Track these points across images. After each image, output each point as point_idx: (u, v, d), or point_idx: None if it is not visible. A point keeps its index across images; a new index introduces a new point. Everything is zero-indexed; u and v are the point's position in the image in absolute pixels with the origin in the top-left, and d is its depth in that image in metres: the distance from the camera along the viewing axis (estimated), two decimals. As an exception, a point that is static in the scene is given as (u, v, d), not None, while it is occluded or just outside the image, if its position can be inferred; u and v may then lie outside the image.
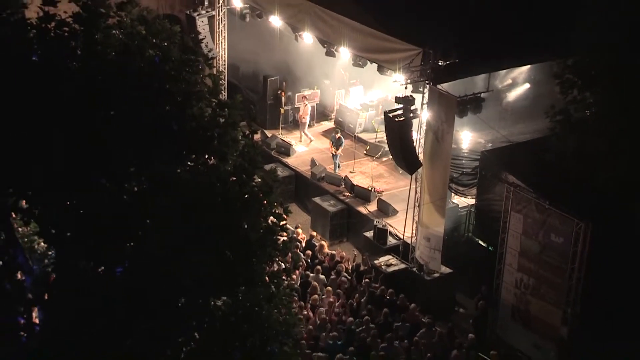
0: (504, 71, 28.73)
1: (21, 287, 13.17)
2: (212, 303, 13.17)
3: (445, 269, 25.77)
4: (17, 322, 13.06)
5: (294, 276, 23.91)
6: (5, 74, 12.32)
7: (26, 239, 14.26)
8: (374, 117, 33.87)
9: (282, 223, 13.35)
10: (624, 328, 21.79)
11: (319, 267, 25.44)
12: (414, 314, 23.78)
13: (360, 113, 33.99)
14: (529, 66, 28.93)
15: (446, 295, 25.65)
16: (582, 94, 22.66)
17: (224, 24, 33.70)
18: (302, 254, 25.53)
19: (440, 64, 24.85)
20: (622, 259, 21.81)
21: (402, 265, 26.26)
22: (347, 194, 30.04)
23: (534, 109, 26.80)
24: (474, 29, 25.60)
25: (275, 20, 31.19)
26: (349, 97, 35.14)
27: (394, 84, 26.66)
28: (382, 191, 30.10)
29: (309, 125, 34.33)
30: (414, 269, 26.11)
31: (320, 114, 35.45)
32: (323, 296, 24.15)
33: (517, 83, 29.74)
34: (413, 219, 26.20)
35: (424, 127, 25.54)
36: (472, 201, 27.43)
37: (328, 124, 35.29)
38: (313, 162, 31.60)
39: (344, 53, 29.13)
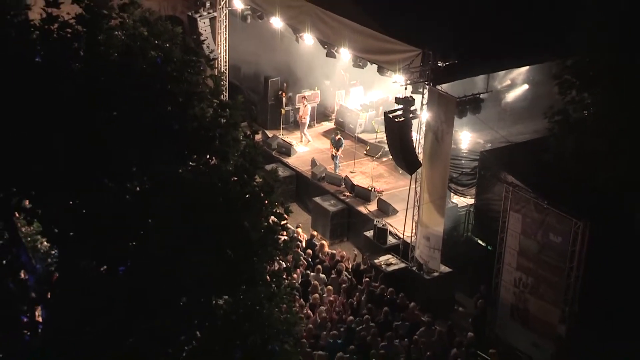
0: (503, 72, 28.74)
1: (24, 286, 13.22)
2: (214, 302, 13.19)
3: (444, 268, 25.84)
4: (21, 320, 13.10)
5: (295, 275, 24.03)
6: (8, 75, 12.37)
7: (29, 238, 14.27)
8: (374, 117, 33.94)
9: (282, 222, 13.41)
10: (622, 327, 21.82)
11: (319, 266, 25.51)
12: (414, 313, 23.82)
13: (360, 113, 34.07)
14: (527, 67, 28.96)
15: (445, 294, 25.69)
16: (581, 95, 22.68)
17: (226, 25, 33.75)
18: (302, 253, 25.59)
19: (439, 65, 24.90)
20: (620, 258, 21.86)
21: (402, 265, 26.31)
22: (348, 193, 30.11)
23: (532, 109, 26.84)
24: (473, 30, 25.63)
25: (276, 22, 31.24)
26: (349, 98, 35.20)
27: (393, 85, 26.72)
28: (382, 191, 30.16)
29: (309, 126, 34.41)
30: (414, 268, 26.17)
31: (321, 114, 35.53)
32: (324, 295, 24.21)
33: (516, 84, 29.75)
34: (413, 218, 26.27)
35: (423, 128, 25.61)
36: (472, 201, 27.50)
37: (328, 125, 35.37)
38: (314, 162, 31.67)
39: (345, 54, 29.17)
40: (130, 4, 13.22)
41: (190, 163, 13.21)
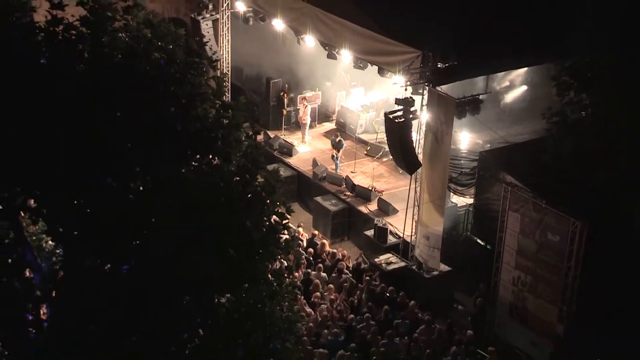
0: (502, 73, 28.84)
1: (29, 285, 13.32)
2: (216, 301, 13.27)
3: (444, 267, 25.93)
4: (26, 318, 13.19)
5: (297, 274, 24.17)
6: (14, 76, 12.50)
7: (34, 238, 14.31)
8: (374, 118, 34.01)
9: (284, 222, 13.45)
10: (619, 326, 21.86)
11: (320, 265, 25.61)
12: (414, 311, 23.90)
13: (361, 114, 34.16)
14: (526, 68, 29.07)
15: (445, 293, 25.78)
16: (579, 96, 22.80)
17: (228, 28, 33.89)
18: (304, 253, 25.64)
19: (439, 66, 25.00)
20: (618, 258, 21.89)
21: (402, 264, 26.39)
22: (348, 193, 30.21)
23: (531, 110, 26.88)
24: (472, 32, 25.70)
25: (278, 24, 31.40)
26: (350, 99, 35.29)
27: (394, 86, 26.76)
28: (383, 191, 30.24)
29: (310, 126, 34.57)
30: (414, 267, 26.27)
31: (322, 115, 35.60)
32: (325, 294, 24.31)
33: (514, 85, 29.82)
34: (413, 218, 26.37)
35: (423, 128, 25.69)
36: (471, 201, 27.59)
37: (329, 125, 35.45)
38: (315, 162, 31.80)
39: (345, 55, 29.28)
40: (134, 6, 13.29)
41: (193, 163, 13.27)
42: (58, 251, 14.18)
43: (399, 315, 23.79)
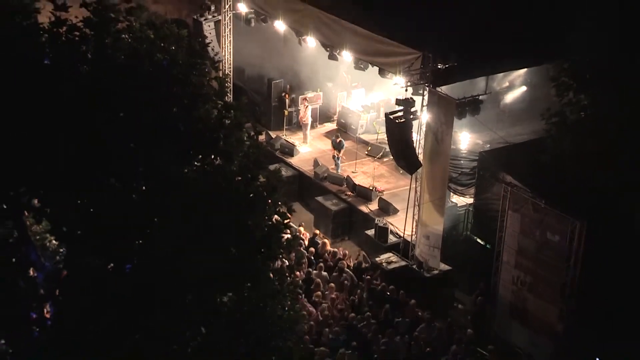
0: (502, 74, 28.91)
1: (33, 283, 13.38)
2: (218, 299, 13.29)
3: (444, 266, 26.03)
4: (30, 317, 13.24)
5: (298, 273, 24.24)
6: (18, 76, 12.57)
7: (38, 237, 14.33)
8: (375, 118, 34.11)
9: (286, 221, 13.50)
10: (619, 325, 21.89)
11: (321, 264, 25.64)
12: (414, 310, 23.94)
13: (361, 115, 34.24)
14: (525, 69, 29.17)
15: (445, 292, 25.88)
16: (578, 97, 22.86)
17: (230, 29, 33.92)
18: (305, 252, 25.73)
19: (439, 67, 25.07)
20: (617, 257, 21.88)
21: (403, 263, 26.46)
22: (349, 193, 30.29)
23: (530, 111, 26.88)
24: (472, 33, 25.75)
25: (280, 25, 31.45)
26: (351, 100, 35.36)
27: (394, 87, 26.89)
28: (383, 190, 30.32)
29: (311, 127, 34.61)
30: (414, 266, 26.35)
31: (324, 115, 35.66)
32: (326, 293, 24.37)
33: (514, 86, 29.84)
34: (413, 217, 26.45)
35: (423, 129, 25.76)
36: (471, 200, 27.63)
37: (331, 126, 35.50)
38: (316, 163, 31.89)
39: (346, 56, 29.34)
40: (137, 7, 13.32)
41: (195, 163, 13.31)
42: (61, 250, 14.17)
43: (400, 314, 23.84)
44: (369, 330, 22.67)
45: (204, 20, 33.12)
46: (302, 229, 27.71)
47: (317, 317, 23.26)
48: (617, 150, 21.79)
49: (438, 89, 25.02)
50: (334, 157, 31.98)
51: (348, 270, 25.84)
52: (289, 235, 13.91)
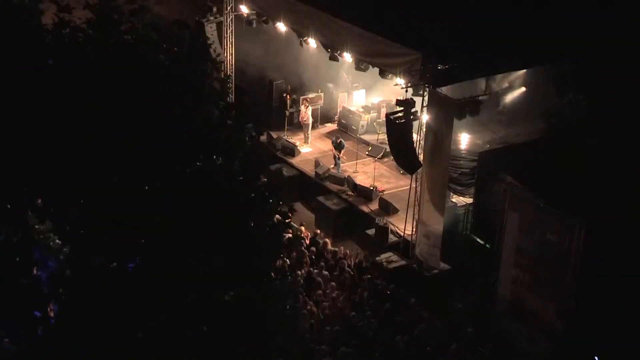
0: (501, 75, 28.94)
1: (37, 282, 13.35)
2: (219, 299, 13.30)
3: (444, 266, 26.12)
4: (34, 315, 13.25)
5: (299, 272, 24.38)
6: (21, 77, 12.62)
7: (42, 236, 14.07)
8: (375, 119, 34.12)
9: (287, 221, 13.60)
10: (617, 324, 21.89)
11: (322, 263, 25.71)
12: (414, 309, 24.06)
13: (362, 115, 34.28)
14: (525, 70, 29.24)
15: (445, 291, 25.75)
16: (577, 97, 22.97)
17: (232, 30, 33.89)
18: (306, 251, 25.87)
19: (439, 68, 25.18)
20: (616, 257, 21.97)
21: (403, 262, 26.54)
22: (350, 193, 30.32)
23: (530, 111, 26.79)
24: (472, 34, 25.87)
25: (281, 26, 31.51)
26: (351, 100, 35.41)
27: (395, 87, 27.04)
28: (384, 190, 30.39)
29: (312, 127, 34.66)
30: (414, 266, 26.43)
31: (325, 116, 35.71)
32: (327, 291, 24.43)
33: (513, 86, 29.74)
34: (413, 217, 26.57)
35: (424, 129, 25.88)
36: (471, 200, 27.60)
37: (331, 126, 35.54)
38: (317, 163, 31.92)
39: (347, 57, 29.45)
40: (140, 9, 13.29)
41: (197, 163, 13.32)
42: (65, 249, 14.01)
43: (400, 313, 23.88)
44: (369, 329, 22.74)
45: (206, 21, 33.13)
46: (303, 228, 27.81)
47: (318, 315, 23.29)
48: (617, 150, 21.84)
49: (438, 89, 25.08)
50: (334, 157, 32.05)
51: (349, 269, 25.90)
52: (290, 235, 13.97)
